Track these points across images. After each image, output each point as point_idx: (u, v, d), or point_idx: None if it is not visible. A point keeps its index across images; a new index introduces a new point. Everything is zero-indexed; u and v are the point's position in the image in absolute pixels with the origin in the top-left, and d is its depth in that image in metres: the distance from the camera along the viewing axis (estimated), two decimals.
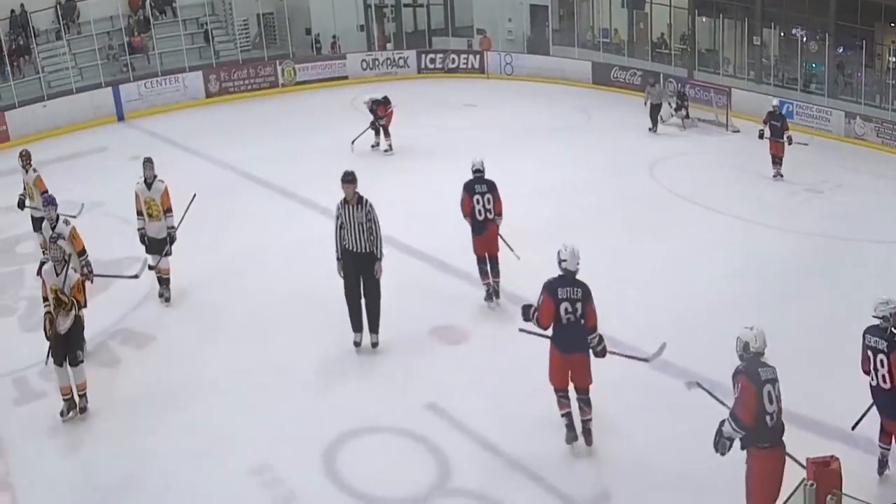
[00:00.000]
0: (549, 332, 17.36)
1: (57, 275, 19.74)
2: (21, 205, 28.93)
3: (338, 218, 21.49)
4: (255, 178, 35.92)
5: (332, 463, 17.64)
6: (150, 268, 25.46)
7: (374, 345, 22.31)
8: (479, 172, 24.80)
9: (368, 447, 17.99)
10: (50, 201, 22.83)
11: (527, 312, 17.54)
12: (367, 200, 21.38)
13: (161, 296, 26.00)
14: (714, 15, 44.73)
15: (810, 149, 33.24)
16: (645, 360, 18.09)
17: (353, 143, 37.75)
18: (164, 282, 25.84)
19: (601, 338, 17.32)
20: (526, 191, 30.33)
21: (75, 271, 20.69)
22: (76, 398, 20.23)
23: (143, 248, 25.84)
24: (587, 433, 17.76)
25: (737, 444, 13.66)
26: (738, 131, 38.04)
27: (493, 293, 24.83)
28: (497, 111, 41.00)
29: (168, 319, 24.67)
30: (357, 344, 22.27)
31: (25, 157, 28.31)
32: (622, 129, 38.22)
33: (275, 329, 23.44)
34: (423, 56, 51.32)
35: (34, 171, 28.33)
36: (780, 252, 26.21)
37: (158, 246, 25.34)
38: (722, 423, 13.59)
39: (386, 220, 27.54)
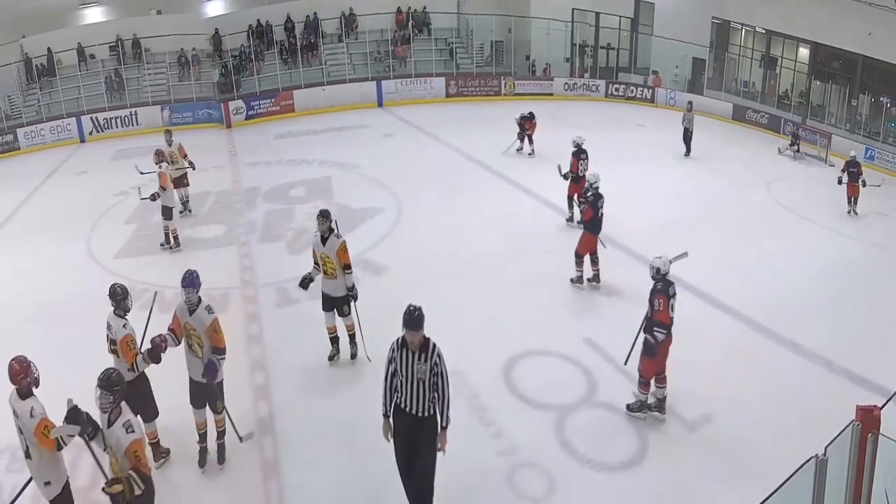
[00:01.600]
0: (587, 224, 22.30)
1: (108, 425, 11.13)
2: (154, 197, 26.68)
3: (391, 362, 12.60)
4: (476, 161, 35.43)
5: (510, 374, 17.75)
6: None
7: None
8: (579, 146, 27.77)
9: (537, 365, 17.96)
10: (189, 282, 14.23)
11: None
12: (434, 347, 12.39)
13: (347, 355, 18.66)
14: (825, 80, 44.15)
15: (883, 185, 32.51)
16: (603, 246, 22.71)
17: (505, 150, 37.24)
18: (350, 338, 18.49)
19: None
20: (665, 193, 30.34)
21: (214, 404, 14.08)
22: None
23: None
24: (597, 277, 22.46)
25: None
26: (833, 165, 36.98)
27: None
28: (659, 132, 40.63)
29: (397, 256, 24.66)
30: None
31: (178, 148, 28.55)
32: (751, 155, 37.69)
33: (474, 272, 23.45)
34: (610, 85, 50.90)
35: (183, 166, 28.26)
36: (853, 257, 25.87)
37: (334, 304, 18.10)
38: (653, 335, 15.35)
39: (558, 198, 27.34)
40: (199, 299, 14.31)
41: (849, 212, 29.41)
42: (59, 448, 11.79)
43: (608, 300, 20.81)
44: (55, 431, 11.55)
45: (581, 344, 18.32)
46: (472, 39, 55.26)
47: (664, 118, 44.55)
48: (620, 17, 52.54)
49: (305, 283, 18.29)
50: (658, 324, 15.33)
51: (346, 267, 17.83)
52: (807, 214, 28.38)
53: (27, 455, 11.99)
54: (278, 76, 52.10)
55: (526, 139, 36.75)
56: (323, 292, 18.19)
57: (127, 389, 12.04)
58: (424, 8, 55.03)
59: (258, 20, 54.18)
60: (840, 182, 29.92)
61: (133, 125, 49.30)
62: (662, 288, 15.45)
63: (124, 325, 14.22)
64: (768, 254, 24.40)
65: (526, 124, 36.48)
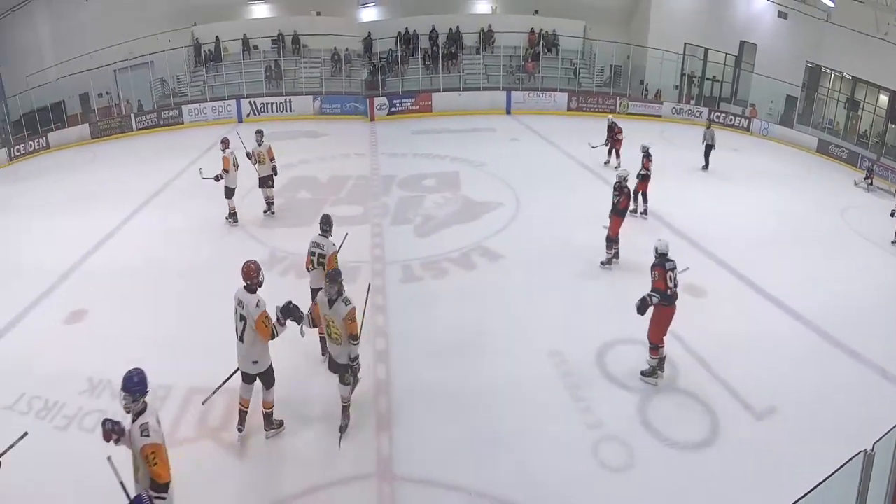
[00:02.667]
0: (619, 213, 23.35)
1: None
2: (218, 178, 27.32)
3: None
4: (588, 168, 35.07)
5: (603, 357, 17.83)
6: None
7: None
8: (647, 150, 28.82)
9: (626, 351, 17.97)
10: (125, 384, 10.06)
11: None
12: None
13: (341, 429, 14.91)
14: None
15: None
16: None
17: (594, 147, 36.76)
18: (343, 409, 15.04)
19: None
20: (752, 210, 30.01)
21: None
22: None
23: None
24: (617, 254, 23.49)
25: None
26: None
27: (644, 212, 28.57)
28: (751, 156, 40.13)
29: (512, 246, 24.97)
30: None
31: (268, 150, 27.87)
32: (830, 183, 36.91)
33: (580, 264, 23.45)
34: (712, 112, 50.52)
35: (269, 167, 27.95)
36: None
37: (337, 368, 14.71)
38: (646, 295, 16.36)
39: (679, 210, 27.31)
40: (143, 408, 10.23)
41: (893, 242, 28.99)
42: (272, 337, 13.76)
43: (695, 300, 20.65)
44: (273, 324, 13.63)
45: (668, 335, 18.02)
46: (594, 62, 55.20)
47: (757, 145, 44.29)
48: (726, 54, 52.14)
49: (296, 315, 14.17)
50: (655, 290, 16.42)
51: (353, 337, 14.31)
52: (873, 239, 27.98)
53: (241, 339, 13.92)
54: (420, 79, 52.88)
55: (613, 152, 36.26)
56: (329, 354, 15.10)
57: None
58: (554, 31, 54.93)
59: (406, 28, 54.74)
60: (892, 214, 29.47)
61: (287, 111, 50.69)
62: (659, 263, 16.58)
63: (333, 244, 17.24)
64: (837, 271, 24.06)
65: (615, 129, 36.01)
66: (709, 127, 37.44)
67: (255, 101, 50.59)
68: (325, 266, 16.82)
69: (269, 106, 50.74)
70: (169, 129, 48.15)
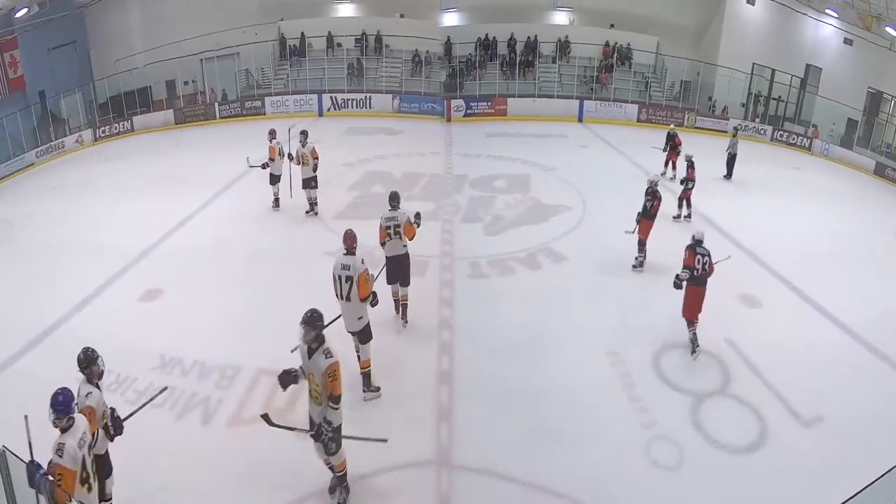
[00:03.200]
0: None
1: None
2: (265, 166, 28.44)
3: None
4: (647, 172, 34.92)
5: (658, 361, 17.87)
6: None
7: None
8: (691, 160, 29.12)
9: (683, 355, 18.01)
10: (52, 403, 9.54)
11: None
12: None
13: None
14: None
15: None
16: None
17: (654, 147, 36.92)
18: (339, 479, 12.83)
19: None
20: (804, 226, 29.52)
21: None
22: None
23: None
24: (645, 258, 23.57)
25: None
26: None
27: (687, 216, 28.86)
28: (812, 175, 39.77)
29: (577, 249, 25.10)
30: None
31: (311, 151, 27.78)
32: (883, 204, 36.27)
33: (642, 270, 23.53)
34: (776, 131, 50.13)
35: (311, 168, 27.82)
36: None
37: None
38: (677, 273, 17.94)
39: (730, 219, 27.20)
40: (69, 426, 9.70)
41: None
42: (369, 294, 15.38)
43: (750, 310, 20.83)
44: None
45: (722, 342, 18.48)
46: (665, 76, 55.02)
47: (817, 165, 43.88)
48: (792, 76, 51.75)
49: (287, 379, 12.03)
50: (686, 268, 17.89)
51: (333, 399, 11.79)
52: None
53: (348, 299, 15.34)
54: (497, 84, 52.88)
55: (670, 164, 36.07)
56: (309, 415, 12.33)
57: (397, 262, 18.38)
58: (629, 45, 54.79)
59: (486, 34, 54.90)
60: None
61: (366, 108, 51.27)
62: (691, 245, 18.03)
63: (404, 213, 18.24)
64: (889, 289, 23.54)
65: (676, 139, 35.65)
66: (734, 136, 37.06)
67: (335, 97, 51.22)
68: (401, 235, 18.26)
69: (350, 102, 51.33)
70: (251, 118, 49.09)
